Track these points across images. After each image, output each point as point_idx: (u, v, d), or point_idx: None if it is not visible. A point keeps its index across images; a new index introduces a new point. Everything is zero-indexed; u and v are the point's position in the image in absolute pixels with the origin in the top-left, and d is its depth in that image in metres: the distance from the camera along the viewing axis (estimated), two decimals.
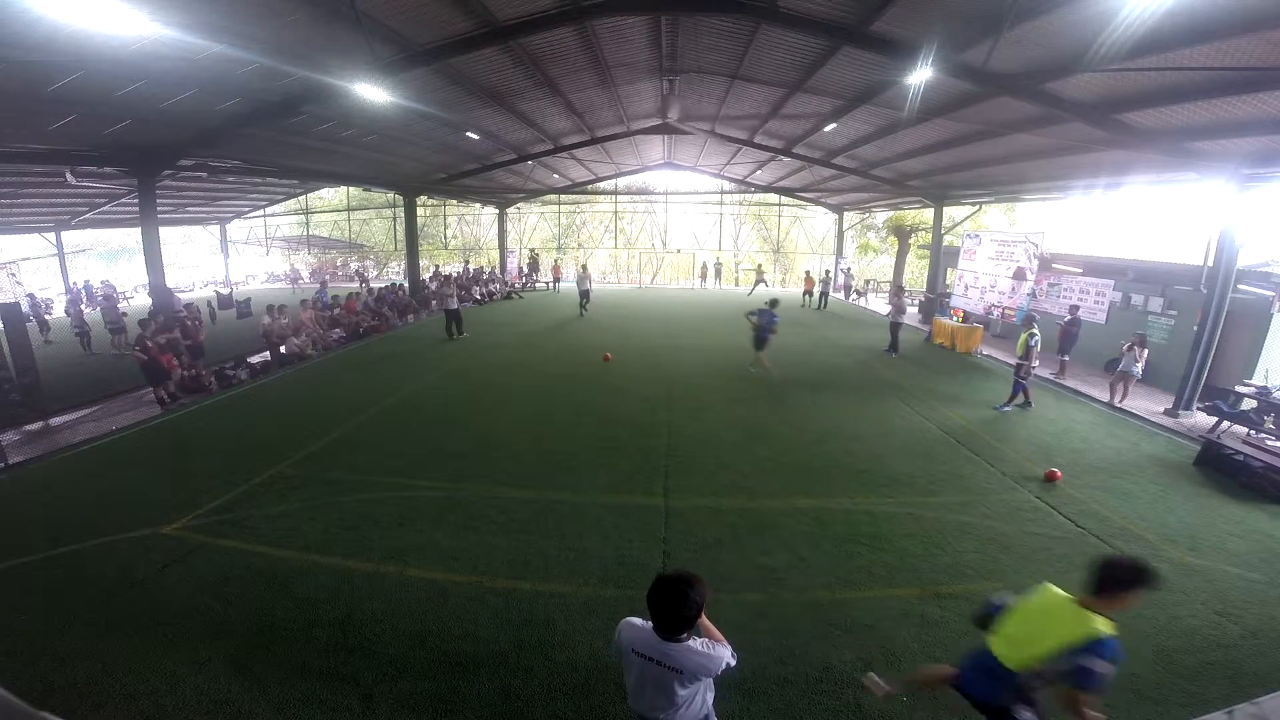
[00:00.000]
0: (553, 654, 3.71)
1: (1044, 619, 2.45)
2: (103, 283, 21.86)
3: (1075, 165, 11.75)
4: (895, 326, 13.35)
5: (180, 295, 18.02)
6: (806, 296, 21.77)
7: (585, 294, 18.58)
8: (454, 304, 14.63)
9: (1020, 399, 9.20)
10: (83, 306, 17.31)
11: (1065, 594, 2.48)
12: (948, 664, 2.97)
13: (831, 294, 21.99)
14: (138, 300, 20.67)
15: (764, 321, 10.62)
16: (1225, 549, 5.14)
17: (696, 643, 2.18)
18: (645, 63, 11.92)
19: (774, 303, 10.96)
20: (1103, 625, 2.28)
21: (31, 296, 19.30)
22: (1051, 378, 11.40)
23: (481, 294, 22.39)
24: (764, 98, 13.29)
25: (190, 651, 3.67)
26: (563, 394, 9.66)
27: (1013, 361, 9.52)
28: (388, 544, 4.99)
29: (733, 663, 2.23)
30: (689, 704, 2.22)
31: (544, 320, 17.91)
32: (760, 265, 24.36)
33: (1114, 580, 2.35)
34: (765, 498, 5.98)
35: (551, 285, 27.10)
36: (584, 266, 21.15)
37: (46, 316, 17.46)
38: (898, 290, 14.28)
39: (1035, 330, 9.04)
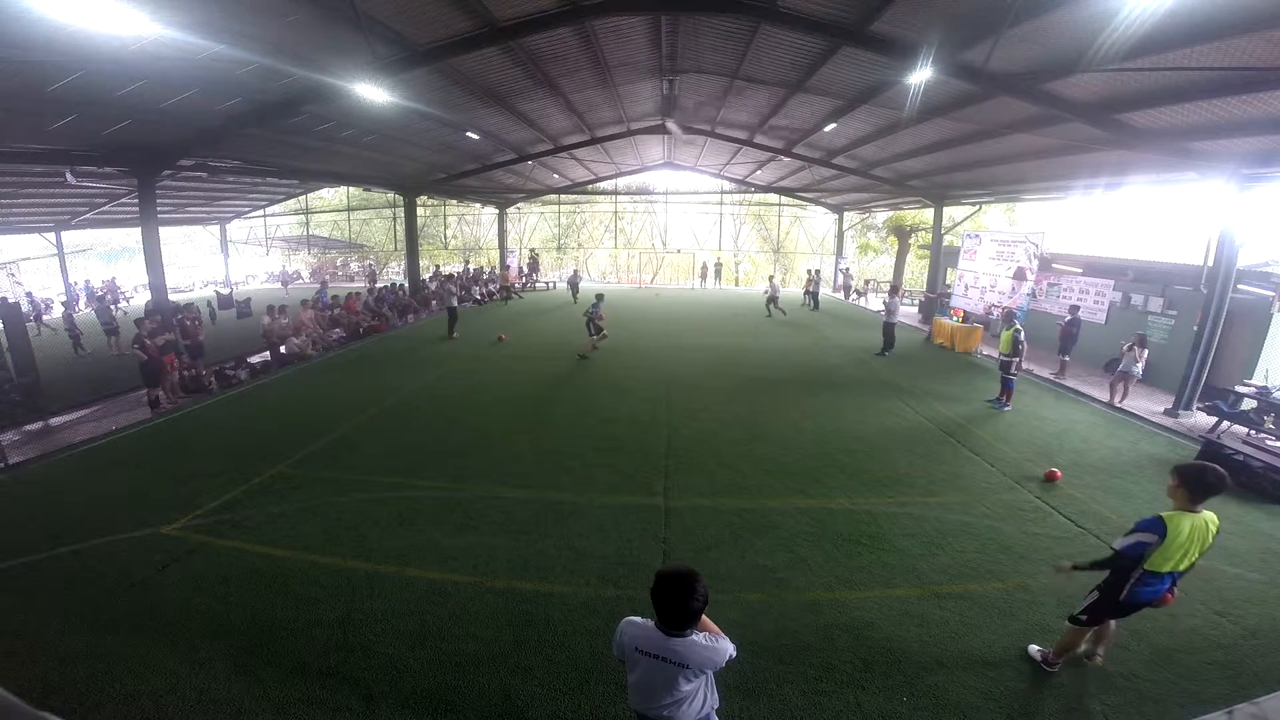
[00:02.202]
0: (553, 653, 3.71)
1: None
2: (104, 282, 21.87)
3: (1075, 165, 11.75)
4: (888, 327, 13.37)
5: (176, 296, 18.00)
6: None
7: (574, 287, 23.36)
8: (454, 303, 14.74)
9: (1003, 397, 9.24)
10: (76, 309, 17.26)
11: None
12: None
13: (825, 294, 21.91)
14: (137, 300, 20.64)
15: (593, 311, 13.11)
16: (1225, 549, 5.11)
17: (700, 636, 2.19)
18: (645, 63, 11.91)
19: (600, 297, 13.82)
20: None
21: (30, 296, 19.32)
22: (1051, 378, 11.41)
23: (481, 294, 22.48)
24: (764, 97, 13.28)
25: (190, 651, 3.67)
26: (563, 393, 9.67)
27: (997, 356, 9.56)
28: (388, 544, 4.99)
29: (734, 654, 2.25)
30: (691, 700, 2.22)
31: (543, 320, 17.93)
32: (771, 277, 25.27)
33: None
34: (765, 498, 5.98)
35: (551, 285, 27.31)
36: (575, 272, 26.42)
37: (45, 317, 17.45)
38: (890, 290, 14.37)
39: (1018, 325, 9.22)
